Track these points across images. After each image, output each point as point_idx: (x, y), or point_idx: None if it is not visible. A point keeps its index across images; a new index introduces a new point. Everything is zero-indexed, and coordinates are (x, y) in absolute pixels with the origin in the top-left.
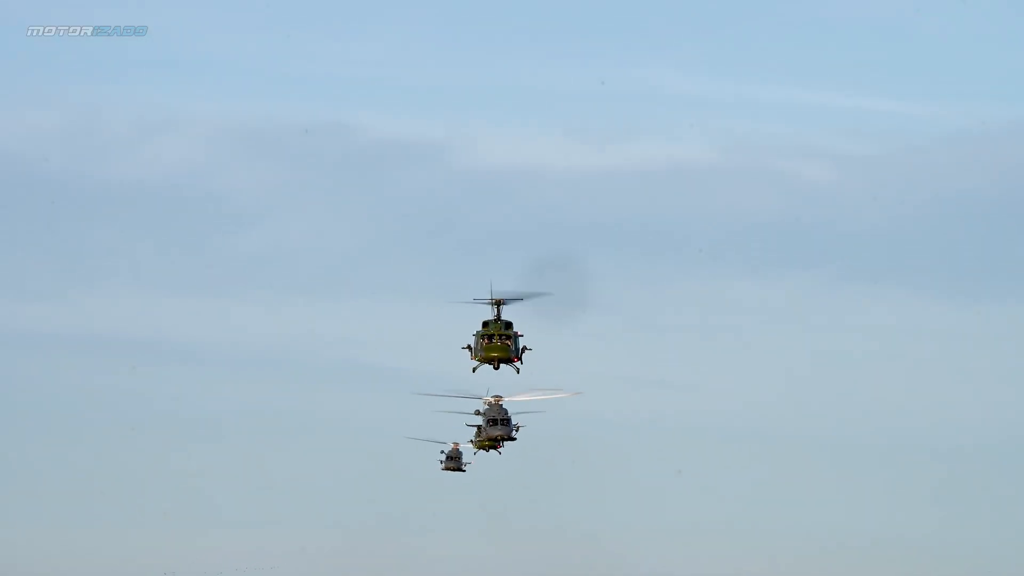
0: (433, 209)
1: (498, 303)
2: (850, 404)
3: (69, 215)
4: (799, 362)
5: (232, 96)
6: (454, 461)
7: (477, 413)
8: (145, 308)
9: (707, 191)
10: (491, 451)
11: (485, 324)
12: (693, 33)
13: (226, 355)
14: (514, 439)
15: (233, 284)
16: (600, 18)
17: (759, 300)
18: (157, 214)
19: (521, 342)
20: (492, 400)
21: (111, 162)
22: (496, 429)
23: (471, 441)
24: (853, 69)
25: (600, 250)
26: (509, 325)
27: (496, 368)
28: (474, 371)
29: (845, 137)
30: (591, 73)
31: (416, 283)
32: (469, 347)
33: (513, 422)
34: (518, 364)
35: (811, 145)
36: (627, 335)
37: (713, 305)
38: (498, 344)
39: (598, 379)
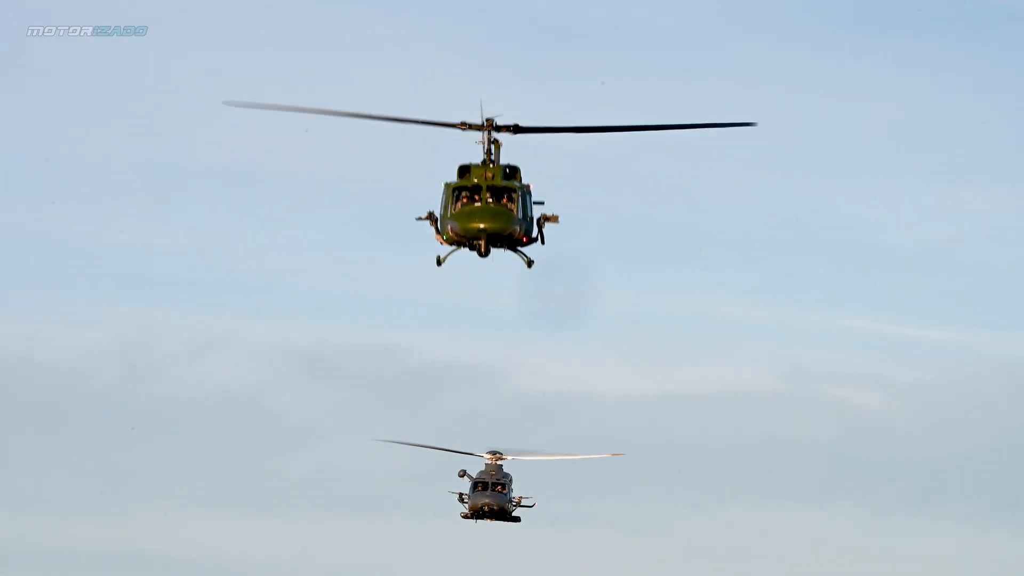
0: (484, 432)
1: (489, 128)
2: None
3: (118, 433)
4: None
5: (286, 316)
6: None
7: (463, 475)
8: (194, 528)
9: (758, 417)
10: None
11: (464, 171)
12: (744, 258)
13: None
14: (516, 519)
15: (283, 505)
16: (650, 246)
17: (805, 528)
18: (207, 433)
19: (539, 208)
20: (489, 458)
21: (162, 380)
22: (483, 497)
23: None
24: (907, 296)
25: (649, 472)
26: (513, 172)
27: (484, 254)
28: (440, 262)
29: (897, 365)
30: (643, 299)
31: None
32: (432, 217)
33: (513, 494)
34: (528, 253)
35: (863, 373)
36: (665, 557)
37: (757, 531)
38: (490, 206)
39: None
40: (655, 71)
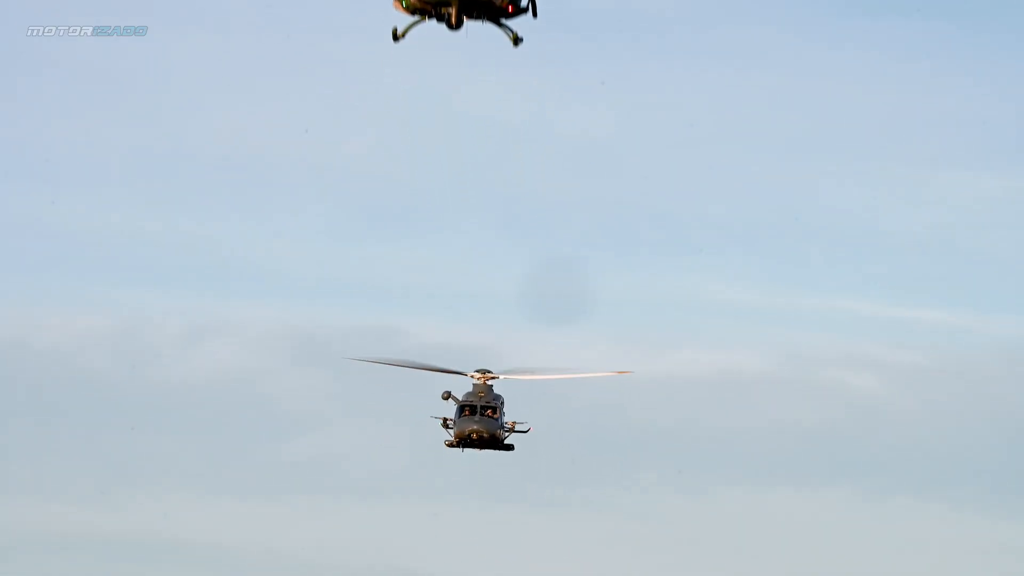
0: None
1: None
2: None
3: (113, 417)
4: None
5: (281, 300)
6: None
7: (447, 397)
8: (190, 512)
9: (753, 400)
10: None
11: None
12: (740, 242)
13: (269, 560)
14: (509, 448)
15: (278, 489)
16: (646, 227)
17: (801, 511)
18: (203, 418)
19: None
20: (477, 377)
21: (158, 364)
22: (471, 423)
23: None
24: (904, 280)
25: (641, 456)
26: None
27: (455, 26)
28: (397, 37)
29: (892, 347)
30: (638, 282)
31: (462, 489)
32: None
33: (505, 418)
34: (515, 28)
35: (861, 356)
36: (662, 541)
37: (753, 514)
38: None
39: None
40: (653, 59)
